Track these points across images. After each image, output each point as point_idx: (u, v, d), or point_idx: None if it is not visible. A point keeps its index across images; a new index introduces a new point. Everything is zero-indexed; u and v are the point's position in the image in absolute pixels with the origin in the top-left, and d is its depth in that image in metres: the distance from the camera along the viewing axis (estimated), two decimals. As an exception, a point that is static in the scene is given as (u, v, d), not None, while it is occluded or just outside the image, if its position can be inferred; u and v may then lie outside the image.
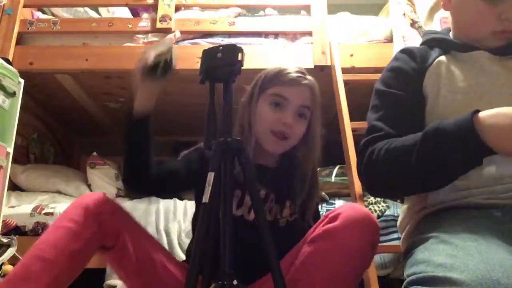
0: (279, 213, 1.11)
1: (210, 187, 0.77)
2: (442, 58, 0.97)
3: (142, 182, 0.99)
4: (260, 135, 1.09)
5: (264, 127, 1.08)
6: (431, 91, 0.93)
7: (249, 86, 1.15)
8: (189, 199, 2.29)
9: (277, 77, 1.09)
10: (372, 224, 0.89)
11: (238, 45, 0.85)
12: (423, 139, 0.79)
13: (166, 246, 1.95)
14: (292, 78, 1.08)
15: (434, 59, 0.97)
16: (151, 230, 1.97)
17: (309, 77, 1.12)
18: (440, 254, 0.70)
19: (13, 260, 1.81)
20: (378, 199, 2.00)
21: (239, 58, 0.82)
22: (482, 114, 0.74)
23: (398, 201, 2.12)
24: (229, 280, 0.72)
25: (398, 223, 1.03)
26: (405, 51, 1.03)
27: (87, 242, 0.94)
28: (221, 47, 0.84)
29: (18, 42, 2.23)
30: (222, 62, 0.83)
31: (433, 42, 1.03)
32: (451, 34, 1.04)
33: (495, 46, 0.93)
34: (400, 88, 0.95)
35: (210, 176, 0.78)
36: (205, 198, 0.77)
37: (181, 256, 1.84)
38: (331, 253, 0.87)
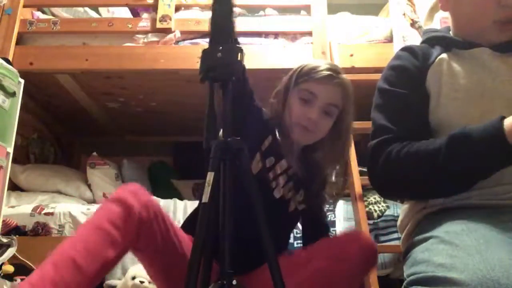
0: (293, 195, 1.15)
1: (209, 187, 0.77)
2: (444, 56, 0.96)
3: None
4: (288, 125, 1.13)
5: (291, 119, 1.12)
6: (433, 89, 0.93)
7: (285, 77, 1.19)
8: (189, 199, 2.29)
9: (310, 73, 1.12)
10: (375, 254, 1.01)
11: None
12: (449, 143, 0.79)
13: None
14: (323, 76, 1.11)
15: (436, 57, 0.97)
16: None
17: (342, 76, 1.14)
18: (440, 254, 0.70)
19: (13, 260, 1.81)
20: (378, 199, 2.00)
21: (239, 58, 0.83)
22: (508, 121, 0.74)
23: (398, 201, 2.13)
24: (229, 279, 0.72)
25: (398, 223, 1.03)
26: (407, 49, 1.02)
27: (123, 250, 0.92)
28: (220, 47, 0.83)
29: (18, 42, 2.23)
30: (222, 62, 0.83)
31: (434, 40, 1.03)
32: (451, 33, 1.04)
33: (498, 40, 0.92)
34: (403, 87, 0.95)
35: (210, 176, 0.78)
36: (205, 198, 0.77)
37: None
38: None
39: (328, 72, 1.11)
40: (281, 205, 1.13)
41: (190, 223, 1.13)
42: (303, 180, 1.15)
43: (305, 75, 1.13)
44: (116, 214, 0.91)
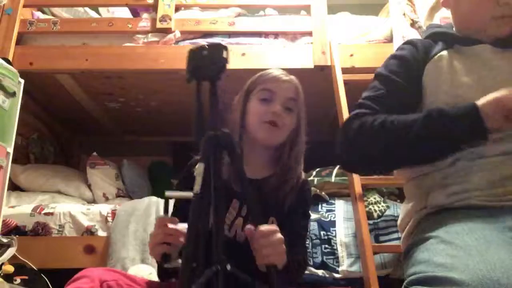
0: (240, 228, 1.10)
1: (200, 178, 0.78)
2: (444, 53, 0.97)
3: None
4: (253, 128, 1.14)
5: (255, 120, 1.13)
6: (430, 84, 0.94)
7: (239, 93, 1.22)
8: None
9: (262, 76, 1.19)
10: None
11: (222, 43, 0.88)
12: (426, 116, 0.82)
13: (166, 246, 1.95)
14: (275, 75, 1.17)
15: (437, 53, 0.97)
16: (151, 230, 1.97)
17: (291, 76, 1.20)
18: (441, 254, 0.70)
19: (13, 260, 1.82)
20: (378, 199, 2.00)
21: (224, 55, 0.83)
22: (481, 101, 0.79)
23: (399, 201, 2.13)
24: (222, 265, 0.72)
25: (398, 222, 1.03)
26: (409, 42, 1.04)
27: None
28: (206, 46, 0.84)
29: (18, 42, 2.23)
30: (208, 61, 0.85)
31: (437, 36, 1.03)
32: (454, 29, 1.05)
33: (498, 35, 0.93)
34: (400, 76, 0.97)
35: (200, 166, 0.79)
36: (196, 189, 0.78)
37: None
38: None
39: (279, 72, 1.18)
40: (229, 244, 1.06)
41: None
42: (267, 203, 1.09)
43: (258, 79, 1.18)
44: None
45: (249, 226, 0.84)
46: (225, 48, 0.83)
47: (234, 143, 0.83)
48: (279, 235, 0.83)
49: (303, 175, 1.17)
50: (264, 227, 0.82)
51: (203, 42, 2.27)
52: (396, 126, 0.85)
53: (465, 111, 0.79)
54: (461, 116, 0.79)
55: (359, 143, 0.90)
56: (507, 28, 0.92)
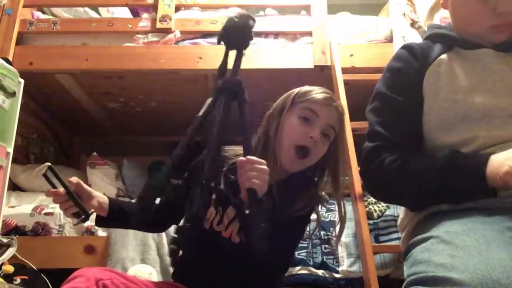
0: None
1: (206, 107, 0.88)
2: (444, 56, 0.96)
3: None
4: (282, 149, 1.08)
5: (289, 140, 1.07)
6: (429, 91, 0.94)
7: (275, 103, 1.16)
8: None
9: (309, 94, 1.11)
10: None
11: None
12: (438, 170, 0.83)
13: (166, 245, 1.95)
14: (324, 97, 1.11)
15: (436, 57, 0.97)
16: (151, 230, 1.97)
17: (338, 101, 1.15)
18: (440, 254, 0.70)
19: (13, 260, 1.82)
20: (378, 199, 2.00)
21: (252, 25, 0.88)
22: (492, 162, 0.77)
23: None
24: (208, 181, 0.81)
25: (398, 222, 1.03)
26: (406, 47, 1.03)
27: None
28: (237, 15, 0.90)
29: (18, 42, 2.23)
30: (239, 29, 0.89)
31: (436, 37, 1.02)
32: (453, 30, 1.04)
33: (497, 40, 0.92)
34: (400, 92, 0.97)
35: (208, 100, 0.89)
36: (202, 112, 0.87)
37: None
38: None
39: (328, 95, 1.12)
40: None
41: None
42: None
43: (304, 95, 1.11)
44: None
45: (241, 158, 0.87)
46: (253, 19, 0.89)
47: (245, 94, 0.89)
48: (265, 167, 0.86)
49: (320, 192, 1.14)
50: (253, 157, 0.86)
51: (203, 42, 2.27)
52: (412, 175, 0.87)
53: (474, 171, 0.79)
54: (470, 175, 0.79)
55: (379, 183, 0.94)
56: (503, 35, 0.91)
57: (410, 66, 0.98)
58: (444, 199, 0.85)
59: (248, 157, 0.85)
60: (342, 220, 1.17)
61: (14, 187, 2.49)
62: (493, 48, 0.93)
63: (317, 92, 1.11)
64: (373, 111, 0.99)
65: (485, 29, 0.92)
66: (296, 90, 1.14)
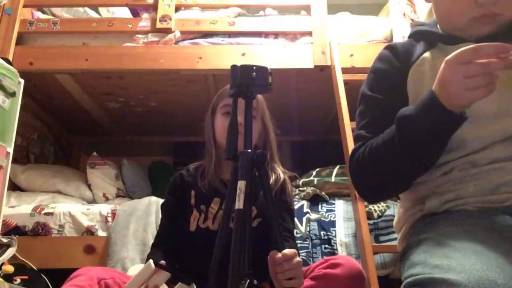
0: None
1: (243, 194, 0.82)
2: (427, 54, 0.95)
3: None
4: (221, 141, 1.28)
5: (223, 135, 1.23)
6: (413, 90, 0.93)
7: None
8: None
9: (221, 93, 1.32)
10: (364, 279, 1.11)
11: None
12: (397, 129, 0.82)
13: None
14: (224, 89, 1.29)
15: (419, 56, 0.96)
16: (151, 230, 1.97)
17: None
18: (437, 255, 0.70)
19: (13, 260, 1.82)
20: (378, 199, 2.00)
21: (269, 80, 0.92)
22: (436, 88, 0.77)
23: (399, 201, 2.12)
24: (250, 279, 0.78)
25: (394, 223, 1.03)
26: (389, 48, 1.03)
27: None
28: (254, 67, 0.91)
29: (18, 42, 2.24)
30: (256, 82, 0.91)
31: (419, 35, 1.02)
32: (438, 25, 1.03)
33: (479, 33, 0.91)
34: (382, 92, 0.97)
35: (241, 183, 0.83)
36: (239, 205, 0.82)
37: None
38: None
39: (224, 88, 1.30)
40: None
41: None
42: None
43: (218, 96, 1.33)
44: None
45: (276, 253, 0.87)
46: (270, 73, 0.91)
47: (266, 163, 0.91)
48: (299, 258, 0.88)
49: (281, 174, 1.29)
50: (287, 251, 0.86)
51: (203, 42, 2.27)
52: (380, 149, 0.86)
53: (425, 106, 0.78)
54: (423, 112, 0.78)
55: (362, 178, 0.93)
56: (486, 28, 0.90)
57: (392, 66, 0.98)
58: (419, 151, 0.81)
59: (284, 252, 0.86)
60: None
61: (14, 187, 2.49)
62: (476, 43, 0.92)
63: (226, 88, 1.27)
64: (358, 114, 1.00)
65: (467, 21, 0.90)
66: (215, 96, 1.37)
